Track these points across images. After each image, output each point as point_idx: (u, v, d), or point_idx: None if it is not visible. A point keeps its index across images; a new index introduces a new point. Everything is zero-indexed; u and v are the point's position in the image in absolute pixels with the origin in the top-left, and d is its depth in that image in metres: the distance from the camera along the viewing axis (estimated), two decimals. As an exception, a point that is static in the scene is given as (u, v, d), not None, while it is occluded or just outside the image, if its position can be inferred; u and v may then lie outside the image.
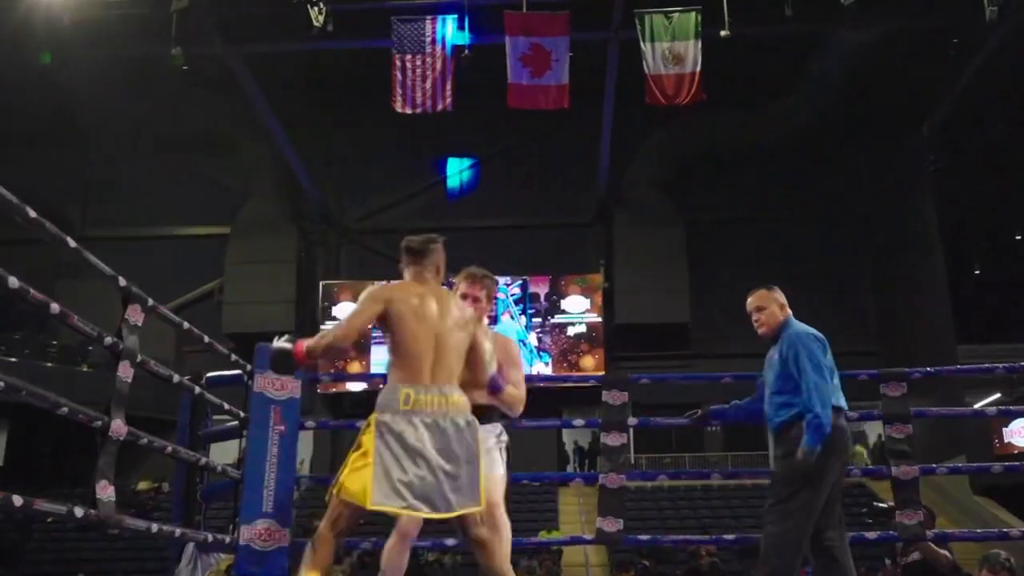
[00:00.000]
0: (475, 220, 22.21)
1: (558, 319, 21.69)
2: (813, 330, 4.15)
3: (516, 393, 3.67)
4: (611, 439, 4.69)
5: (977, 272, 21.63)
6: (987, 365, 4.93)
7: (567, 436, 22.30)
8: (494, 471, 3.65)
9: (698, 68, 14.79)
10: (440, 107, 15.09)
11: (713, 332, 21.77)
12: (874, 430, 21.56)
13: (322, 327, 21.77)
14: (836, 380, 4.05)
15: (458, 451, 3.16)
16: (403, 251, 3.47)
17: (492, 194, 22.57)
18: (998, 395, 22.02)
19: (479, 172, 23.49)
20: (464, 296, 3.77)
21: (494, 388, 3.51)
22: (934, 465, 4.90)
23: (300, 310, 22.17)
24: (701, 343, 21.64)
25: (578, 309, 21.75)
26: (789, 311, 4.26)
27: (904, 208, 21.66)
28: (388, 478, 3.07)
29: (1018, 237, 20.57)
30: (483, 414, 3.54)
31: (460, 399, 3.23)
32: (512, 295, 21.67)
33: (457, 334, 3.29)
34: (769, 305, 4.22)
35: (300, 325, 21.89)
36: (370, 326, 3.31)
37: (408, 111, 15.21)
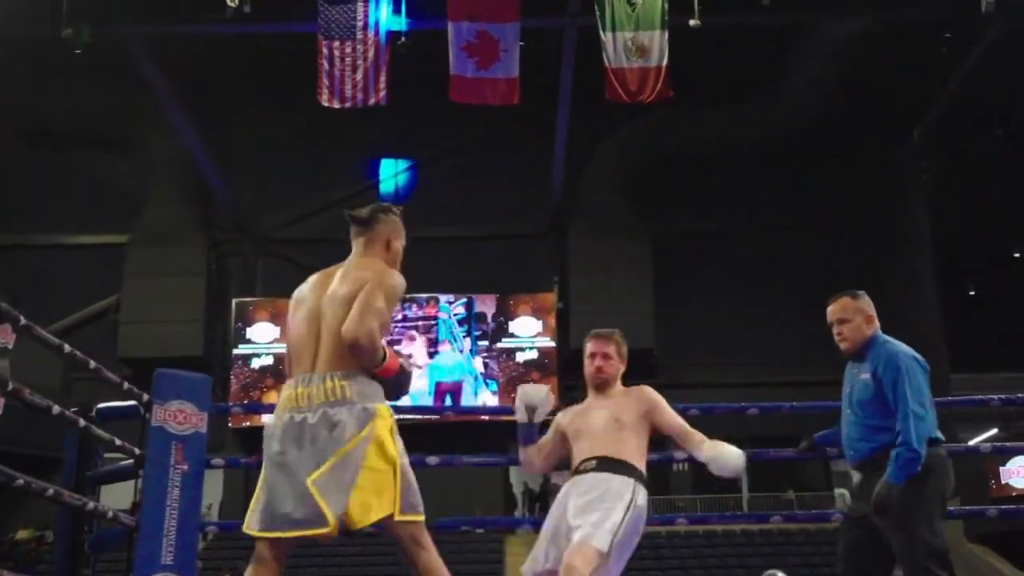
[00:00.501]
0: (411, 230, 21.97)
1: (506, 343, 21.71)
2: (914, 352, 4.14)
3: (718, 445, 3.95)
4: (562, 479, 4.71)
5: (972, 293, 22.06)
6: (981, 397, 5.02)
7: (515, 477, 22.27)
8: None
9: (664, 61, 14.95)
10: (372, 101, 15.07)
11: (682, 358, 21.93)
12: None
13: (234, 351, 21.59)
14: (933, 411, 4.08)
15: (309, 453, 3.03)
16: (349, 221, 3.45)
17: (431, 201, 22.54)
18: (995, 430, 22.44)
19: (417, 176, 23.48)
20: (592, 355, 3.97)
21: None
22: None
23: (209, 331, 21.94)
24: (668, 371, 21.74)
25: (529, 332, 21.79)
26: (877, 324, 4.26)
27: (894, 220, 22.05)
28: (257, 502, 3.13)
29: (1016, 255, 21.04)
30: (610, 465, 3.71)
31: (333, 385, 3.07)
32: (455, 315, 21.69)
33: (337, 305, 3.14)
34: (854, 318, 4.21)
35: (209, 348, 21.66)
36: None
37: (336, 105, 15.17)
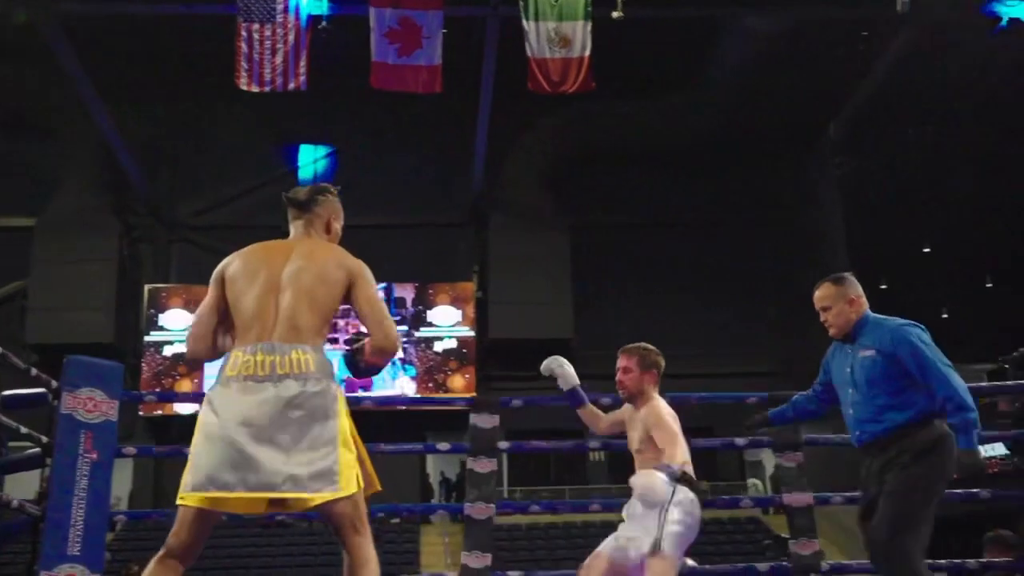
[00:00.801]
0: (331, 217, 22.00)
1: (424, 332, 21.69)
2: (909, 321, 4.15)
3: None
4: (480, 465, 4.77)
5: (884, 287, 22.55)
6: None
7: (432, 465, 22.29)
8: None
9: (587, 53, 15.02)
10: (292, 86, 14.91)
11: (599, 349, 21.90)
12: (772, 458, 22.23)
13: (146, 338, 21.23)
14: None
15: (273, 424, 2.92)
16: (287, 203, 3.38)
17: (351, 188, 22.05)
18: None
19: (336, 163, 23.31)
20: (617, 370, 4.25)
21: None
22: (828, 494, 5.11)
23: (120, 318, 21.55)
24: (586, 361, 21.70)
25: (447, 322, 21.80)
26: (864, 303, 4.24)
27: (809, 216, 22.46)
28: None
29: (927, 250, 21.56)
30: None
31: (299, 356, 2.99)
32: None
33: (303, 280, 3.11)
34: (835, 304, 4.20)
35: (120, 335, 21.28)
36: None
37: (254, 89, 14.98)
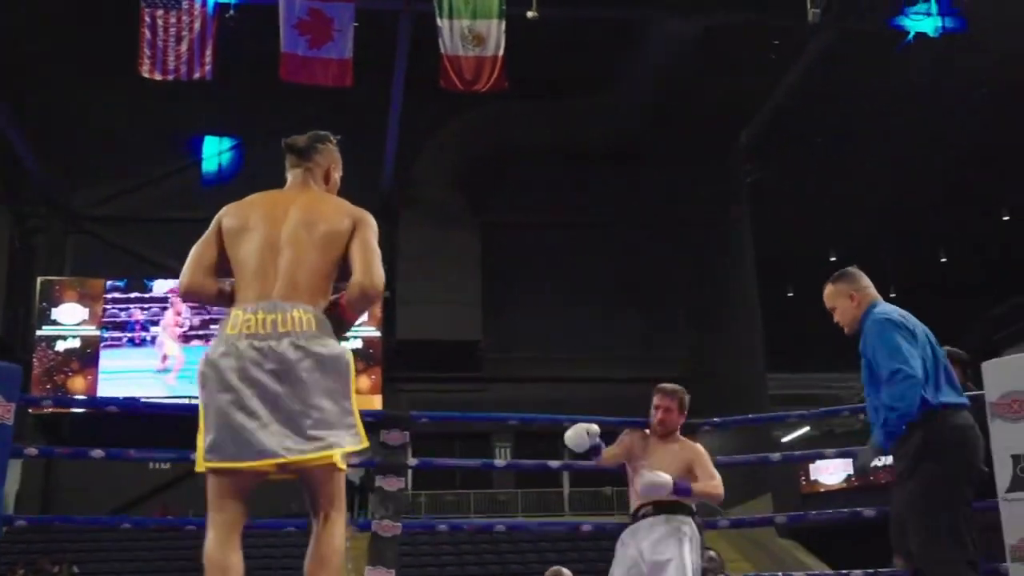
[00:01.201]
0: (235, 212, 21.68)
1: (330, 332, 21.47)
2: (894, 311, 4.03)
3: (707, 485, 4.60)
4: (388, 483, 4.80)
5: (790, 295, 22.97)
6: (797, 413, 5.39)
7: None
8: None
9: (501, 51, 15.03)
10: (197, 75, 14.66)
11: (509, 352, 22.15)
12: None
13: (38, 333, 20.65)
14: (941, 371, 3.92)
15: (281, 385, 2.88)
16: (284, 151, 3.33)
17: (257, 183, 21.49)
18: (807, 428, 23.49)
19: (242, 156, 22.96)
20: (657, 408, 4.77)
21: (679, 491, 4.46)
22: (716, 518, 5.31)
23: (10, 311, 20.94)
24: (494, 364, 21.98)
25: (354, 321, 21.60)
26: (868, 295, 4.13)
27: (720, 221, 22.78)
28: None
29: (833, 259, 22.01)
30: (667, 507, 4.54)
31: (300, 315, 2.95)
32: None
33: (306, 237, 3.05)
34: (838, 302, 4.15)
35: (9, 329, 20.69)
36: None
37: (158, 77, 14.71)
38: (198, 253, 3.15)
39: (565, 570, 6.09)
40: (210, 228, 3.19)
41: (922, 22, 17.27)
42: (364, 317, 21.43)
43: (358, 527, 4.77)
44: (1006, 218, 20.04)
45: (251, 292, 2.99)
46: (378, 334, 21.62)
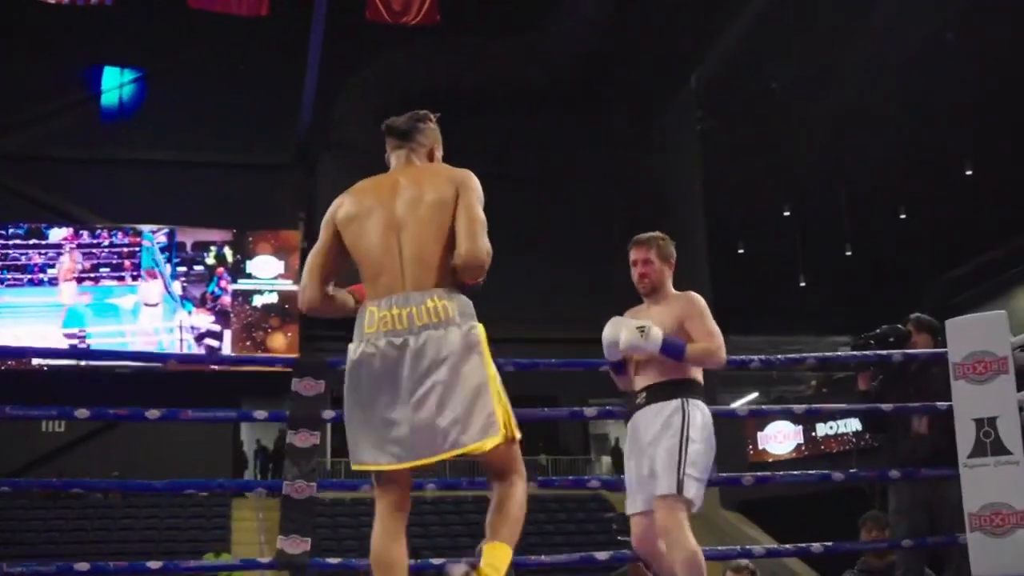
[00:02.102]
0: (137, 151, 21.34)
1: (242, 284, 21.30)
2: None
3: (703, 345, 4.05)
4: (300, 439, 4.63)
5: (741, 251, 23.17)
6: (742, 358, 5.15)
7: (247, 433, 21.98)
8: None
9: (433, -19, 14.90)
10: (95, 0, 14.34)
11: (435, 309, 22.12)
12: (617, 431, 22.74)
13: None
14: None
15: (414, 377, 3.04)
16: (385, 134, 3.44)
17: (162, 119, 21.74)
18: (755, 395, 23.86)
19: (145, 89, 22.53)
20: (634, 263, 4.22)
21: (669, 352, 3.94)
22: None
23: None
24: (420, 322, 21.93)
25: (268, 274, 21.46)
26: None
27: (667, 172, 22.88)
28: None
29: (787, 214, 22.23)
30: (659, 392, 4.03)
31: (435, 304, 3.07)
32: (158, 243, 21.12)
33: (419, 211, 3.17)
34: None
35: None
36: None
37: (51, 0, 14.36)
38: (315, 264, 3.27)
39: None
40: (322, 230, 3.29)
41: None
42: (279, 269, 21.39)
43: (267, 490, 4.69)
44: (969, 173, 20.34)
45: (380, 285, 3.13)
46: (295, 288, 21.46)
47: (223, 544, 17.16)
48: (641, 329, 3.98)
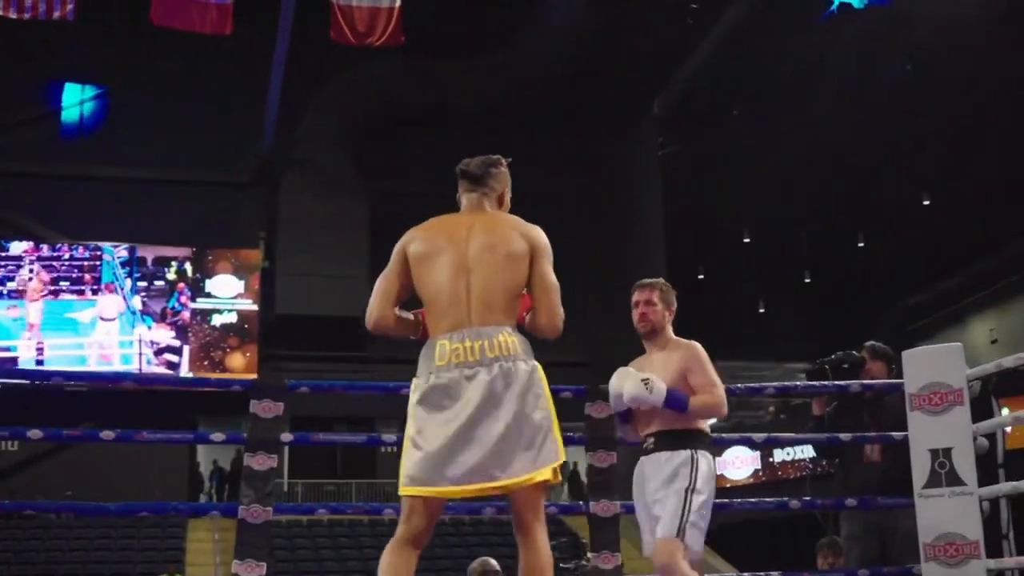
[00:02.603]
0: (97, 167, 21.19)
1: (201, 303, 21.16)
2: None
3: (705, 399, 4.14)
4: (257, 462, 4.57)
5: (701, 277, 23.28)
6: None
7: (203, 453, 21.79)
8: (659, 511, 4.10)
9: (397, 3, 14.90)
10: (57, 15, 14.23)
11: (396, 332, 22.08)
12: (573, 457, 22.73)
13: None
14: None
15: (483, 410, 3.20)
16: (458, 176, 3.59)
17: (123, 136, 21.61)
18: (714, 420, 23.93)
19: (107, 106, 22.40)
20: (636, 304, 4.29)
21: (673, 405, 4.03)
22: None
23: None
24: (381, 345, 21.83)
25: (228, 293, 21.33)
26: None
27: (629, 195, 22.98)
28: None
29: (747, 240, 22.36)
30: (668, 440, 4.12)
31: (503, 339, 3.25)
32: (119, 258, 20.99)
33: (491, 259, 3.34)
34: None
35: None
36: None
37: (12, 16, 14.24)
38: (384, 287, 3.48)
39: (492, 560, 5.98)
40: (393, 258, 3.49)
41: (847, -8, 17.65)
42: (239, 288, 21.27)
43: (222, 513, 4.65)
44: (927, 203, 20.57)
45: (447, 319, 3.29)
46: (255, 307, 21.36)
47: (178, 565, 17.00)
48: (646, 382, 4.06)
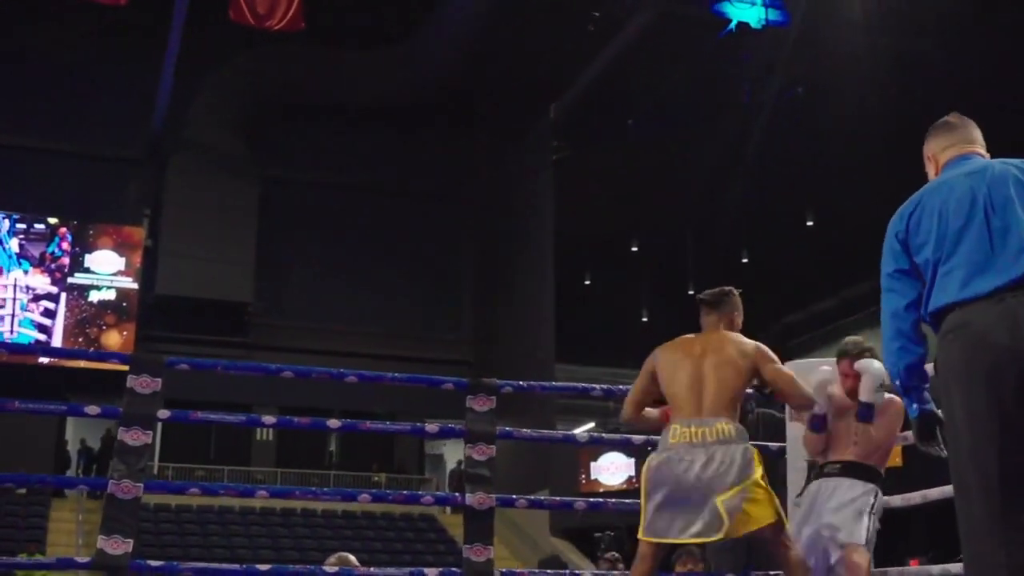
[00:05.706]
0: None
1: (79, 278, 20.67)
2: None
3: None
4: (131, 436, 4.49)
5: (588, 283, 23.50)
6: (585, 385, 5.38)
7: (72, 431, 21.32)
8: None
9: (300, -12, 14.81)
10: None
11: (279, 319, 21.88)
12: (453, 453, 22.79)
13: None
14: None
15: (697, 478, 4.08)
16: (699, 303, 4.54)
17: (8, 103, 21.01)
18: (592, 424, 24.16)
19: (-4, 72, 21.78)
20: (845, 375, 4.64)
21: (863, 416, 4.48)
22: (513, 496, 5.23)
23: None
24: (263, 331, 21.64)
25: (107, 269, 20.89)
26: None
27: (520, 198, 23.10)
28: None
29: (634, 249, 22.63)
30: (857, 471, 4.58)
31: (722, 427, 4.15)
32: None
33: (716, 370, 4.25)
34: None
35: None
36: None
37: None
38: (638, 390, 4.49)
39: (351, 556, 5.91)
40: (645, 369, 4.46)
41: (746, 11, 17.97)
42: (120, 265, 20.84)
43: (89, 488, 4.55)
44: (810, 224, 21.05)
45: (684, 412, 4.26)
46: (135, 286, 20.96)
47: (38, 545, 16.58)
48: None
